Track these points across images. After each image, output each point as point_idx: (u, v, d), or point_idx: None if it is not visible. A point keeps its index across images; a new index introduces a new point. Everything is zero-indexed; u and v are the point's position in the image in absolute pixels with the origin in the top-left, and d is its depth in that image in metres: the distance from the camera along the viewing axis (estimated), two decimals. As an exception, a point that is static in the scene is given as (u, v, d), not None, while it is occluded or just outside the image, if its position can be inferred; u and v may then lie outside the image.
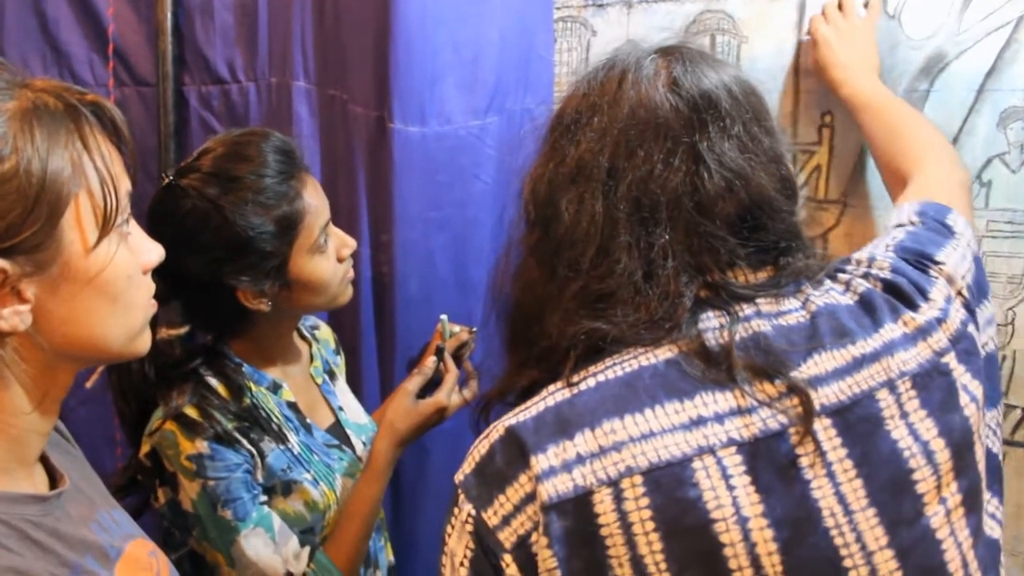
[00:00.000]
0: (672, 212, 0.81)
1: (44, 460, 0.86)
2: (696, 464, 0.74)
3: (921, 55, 1.38)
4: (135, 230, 0.84)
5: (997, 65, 1.33)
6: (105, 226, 0.77)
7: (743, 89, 0.87)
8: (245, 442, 1.22)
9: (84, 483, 0.90)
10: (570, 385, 0.80)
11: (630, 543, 0.73)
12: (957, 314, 0.84)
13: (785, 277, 0.84)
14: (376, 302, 1.71)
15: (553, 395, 0.80)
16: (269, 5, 1.72)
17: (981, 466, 0.79)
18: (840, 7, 1.38)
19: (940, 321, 0.82)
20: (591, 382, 0.80)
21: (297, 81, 1.72)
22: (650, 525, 0.73)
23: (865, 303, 0.83)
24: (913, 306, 0.83)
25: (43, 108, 0.74)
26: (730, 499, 0.73)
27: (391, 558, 1.51)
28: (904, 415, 0.77)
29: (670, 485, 0.73)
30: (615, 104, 0.85)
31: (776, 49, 1.48)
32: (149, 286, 0.86)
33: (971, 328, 0.84)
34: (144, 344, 0.86)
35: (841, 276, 0.86)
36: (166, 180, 1.23)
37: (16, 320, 0.74)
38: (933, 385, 0.78)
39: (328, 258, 1.29)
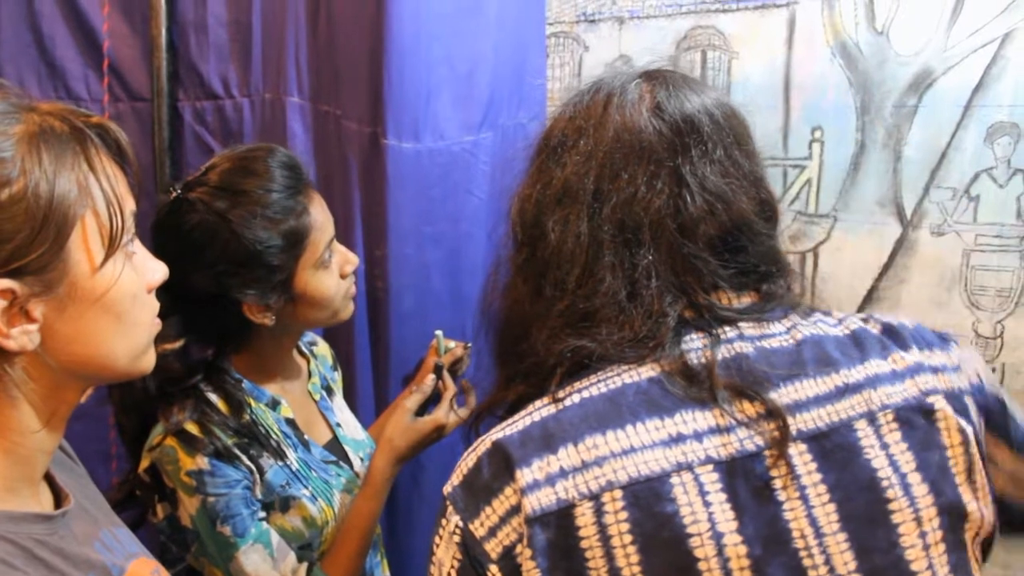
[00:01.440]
0: (655, 233, 0.83)
1: (48, 478, 0.87)
2: (674, 480, 0.75)
3: (909, 71, 1.40)
4: (140, 250, 0.85)
5: (984, 81, 1.35)
6: (111, 246, 0.78)
7: (724, 113, 0.88)
8: (245, 458, 1.22)
9: (87, 502, 0.90)
10: (556, 401, 0.81)
11: (609, 555, 0.74)
12: (958, 380, 0.84)
13: (770, 303, 0.85)
14: (371, 316, 1.71)
15: (539, 410, 0.81)
16: (263, 21, 1.73)
17: (972, 507, 0.79)
18: None
19: (935, 370, 0.83)
20: (576, 398, 0.81)
21: (291, 97, 1.73)
22: (628, 538, 0.74)
23: (856, 338, 0.84)
24: (905, 347, 0.84)
25: (49, 131, 0.75)
26: (706, 515, 0.75)
27: (387, 573, 1.51)
28: (884, 446, 0.78)
29: (648, 500, 0.75)
30: (600, 127, 0.87)
31: (767, 64, 1.50)
32: (153, 305, 0.87)
33: (969, 399, 0.83)
34: (149, 362, 0.87)
35: (836, 313, 0.88)
36: (173, 194, 1.24)
37: (25, 340, 0.74)
38: (916, 422, 0.79)
39: (332, 274, 1.30)
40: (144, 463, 1.21)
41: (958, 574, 0.78)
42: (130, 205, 0.82)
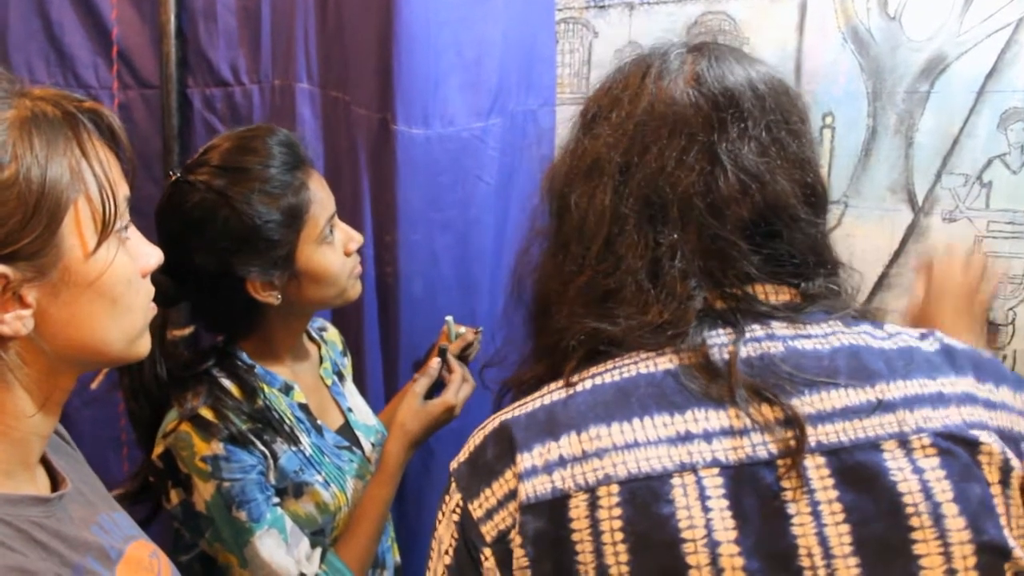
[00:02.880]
0: (683, 212, 0.78)
1: (45, 462, 0.87)
2: (675, 480, 0.71)
3: (922, 56, 1.39)
4: (134, 235, 0.85)
5: (997, 66, 1.34)
6: (104, 231, 0.78)
7: (772, 88, 0.83)
8: (259, 443, 1.22)
9: (84, 485, 0.91)
10: (568, 385, 0.78)
11: (598, 552, 0.71)
12: (1010, 422, 0.76)
13: (810, 304, 0.80)
14: (380, 302, 1.72)
15: (551, 393, 0.79)
16: (272, 7, 1.73)
17: (1014, 547, 0.72)
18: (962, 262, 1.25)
19: (991, 406, 0.75)
20: (588, 384, 0.78)
21: (300, 83, 1.72)
22: (619, 536, 0.71)
23: (903, 353, 0.77)
24: (961, 372, 0.77)
25: (41, 116, 0.75)
26: (703, 520, 0.70)
27: (398, 558, 1.52)
28: (918, 471, 0.71)
29: (645, 498, 0.71)
30: (635, 98, 0.82)
31: (778, 50, 1.49)
32: (148, 290, 0.87)
33: (1011, 452, 0.75)
34: (144, 347, 0.87)
35: (888, 327, 0.81)
36: (174, 177, 1.25)
37: (18, 325, 0.75)
38: (956, 451, 0.72)
39: (335, 250, 1.31)
40: (158, 449, 1.22)
41: None
42: (124, 190, 0.82)
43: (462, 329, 1.55)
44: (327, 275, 1.29)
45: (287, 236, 1.24)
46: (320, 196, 1.29)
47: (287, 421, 1.28)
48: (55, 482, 0.87)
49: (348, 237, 1.34)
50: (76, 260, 0.77)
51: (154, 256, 0.88)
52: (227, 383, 1.26)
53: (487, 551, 0.74)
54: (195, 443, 1.19)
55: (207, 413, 1.21)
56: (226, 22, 1.75)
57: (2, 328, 0.74)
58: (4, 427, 0.79)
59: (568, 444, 0.74)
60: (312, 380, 1.42)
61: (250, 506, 1.18)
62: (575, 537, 0.71)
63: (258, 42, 1.75)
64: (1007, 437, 0.74)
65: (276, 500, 1.23)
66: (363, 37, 1.63)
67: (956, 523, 0.71)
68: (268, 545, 1.19)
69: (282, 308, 1.28)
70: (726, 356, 0.75)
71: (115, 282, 0.80)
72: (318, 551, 1.25)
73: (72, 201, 0.76)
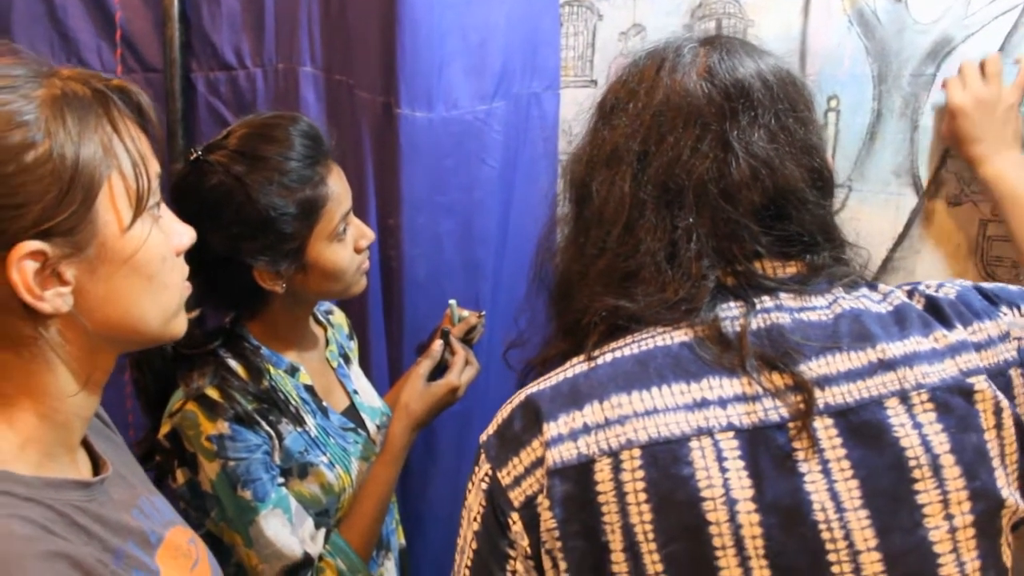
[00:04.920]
0: (697, 197, 0.84)
1: (86, 445, 0.88)
2: (693, 444, 0.77)
3: (927, 39, 1.39)
4: (166, 213, 0.86)
5: (1005, 49, 1.33)
6: (139, 206, 0.79)
7: (780, 79, 0.88)
8: (264, 424, 1.23)
9: (125, 469, 0.91)
10: (590, 359, 0.83)
11: (623, 511, 0.76)
12: (1004, 351, 0.82)
13: (815, 276, 0.85)
14: (384, 285, 1.72)
15: (574, 367, 0.84)
16: (276, -9, 1.72)
17: (1007, 493, 0.78)
18: (983, 72, 1.29)
19: (979, 347, 0.81)
20: (608, 357, 0.83)
21: (304, 67, 1.72)
22: (643, 496, 0.76)
23: (898, 313, 0.83)
24: (949, 325, 0.82)
25: (72, 95, 0.76)
26: (721, 480, 0.76)
27: (402, 541, 1.53)
28: (918, 426, 0.77)
29: (666, 461, 0.76)
30: (651, 90, 0.88)
31: (783, 33, 1.48)
32: (183, 268, 0.88)
33: (1015, 372, 0.82)
34: (180, 326, 0.88)
35: (882, 287, 0.87)
36: (194, 155, 1.25)
37: (59, 302, 0.75)
38: (953, 403, 0.78)
39: (346, 247, 1.31)
40: (164, 428, 1.23)
41: (987, 561, 0.77)
42: (155, 167, 0.83)
43: (465, 313, 1.55)
44: (335, 271, 1.30)
45: (300, 230, 1.24)
46: (337, 192, 1.28)
47: (292, 402, 1.29)
48: (96, 465, 0.87)
49: (360, 234, 1.34)
50: (112, 236, 0.78)
51: (187, 235, 0.89)
52: (233, 364, 1.27)
53: (515, 515, 0.80)
54: (201, 422, 1.20)
55: (213, 393, 1.22)
56: (229, 6, 1.75)
57: (42, 305, 0.74)
58: (47, 408, 0.79)
59: (592, 412, 0.79)
60: (318, 362, 1.42)
61: (255, 485, 1.19)
62: (601, 499, 0.77)
63: (262, 25, 1.74)
64: (995, 374, 0.80)
65: (281, 480, 1.24)
66: (367, 20, 1.62)
67: (952, 472, 0.77)
68: (273, 524, 1.20)
69: (287, 297, 1.29)
70: (737, 328, 0.81)
71: (150, 258, 0.81)
72: (322, 531, 1.26)
73: (106, 177, 0.77)
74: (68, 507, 0.77)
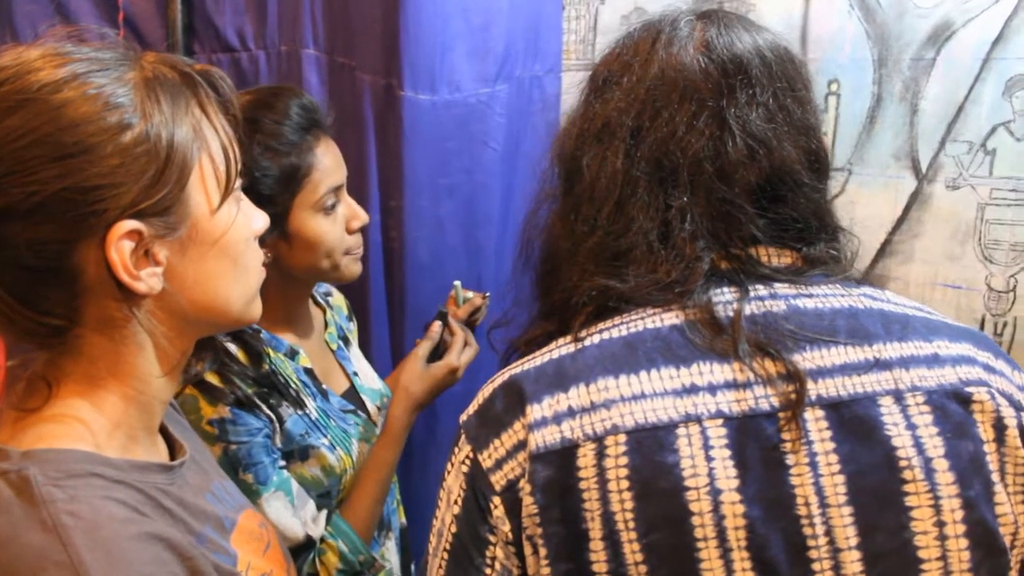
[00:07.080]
0: (692, 175, 0.81)
1: (162, 429, 0.89)
2: (680, 431, 0.74)
3: (928, 23, 1.39)
4: (244, 197, 0.87)
5: (1004, 34, 1.34)
6: (227, 188, 0.80)
7: (778, 56, 0.85)
8: (264, 407, 1.24)
9: (197, 453, 0.92)
10: (577, 340, 0.80)
11: (604, 499, 0.73)
12: (1010, 388, 0.78)
13: (811, 268, 0.82)
14: (386, 268, 1.73)
15: (560, 348, 0.81)
16: (278, -27, 1.72)
17: (1006, 509, 0.75)
18: None
19: (990, 370, 0.78)
20: (596, 339, 0.80)
21: (307, 49, 1.72)
22: (624, 484, 0.73)
23: (902, 317, 0.80)
24: (957, 340, 0.79)
25: (162, 77, 0.77)
26: (706, 469, 0.73)
27: (403, 521, 1.54)
28: (912, 427, 0.74)
29: (651, 447, 0.73)
30: (646, 64, 0.84)
31: (784, 16, 1.49)
32: (259, 252, 0.88)
33: (1005, 408, 0.77)
34: (257, 310, 0.88)
35: (889, 294, 0.84)
36: None
37: (153, 281, 0.76)
38: (950, 408, 0.75)
39: (334, 222, 1.30)
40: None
41: (979, 574, 0.74)
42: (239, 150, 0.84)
43: (470, 294, 1.56)
44: (319, 244, 1.29)
45: (280, 195, 1.24)
46: (325, 164, 1.28)
47: (293, 385, 1.30)
48: (171, 448, 0.88)
49: (353, 214, 1.34)
50: (203, 217, 0.79)
51: (261, 219, 0.89)
52: (233, 347, 1.27)
53: (496, 499, 0.77)
54: (201, 407, 1.20)
55: (213, 378, 1.22)
56: (232, -13, 1.75)
57: (138, 285, 0.75)
58: (133, 391, 0.80)
59: (577, 395, 0.76)
60: (317, 345, 1.43)
61: (257, 468, 1.20)
62: (583, 485, 0.74)
63: (264, 8, 1.75)
64: (1002, 395, 0.77)
65: (282, 463, 1.25)
66: (370, 3, 1.62)
67: (946, 477, 0.74)
68: (275, 507, 1.21)
69: (278, 274, 1.29)
70: (731, 313, 0.78)
71: (236, 240, 0.82)
72: (324, 513, 1.27)
73: (197, 159, 0.78)
74: (154, 490, 0.77)
